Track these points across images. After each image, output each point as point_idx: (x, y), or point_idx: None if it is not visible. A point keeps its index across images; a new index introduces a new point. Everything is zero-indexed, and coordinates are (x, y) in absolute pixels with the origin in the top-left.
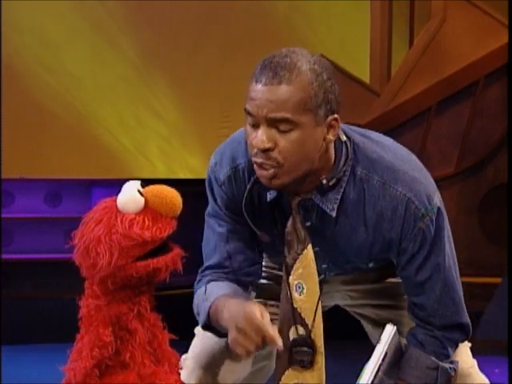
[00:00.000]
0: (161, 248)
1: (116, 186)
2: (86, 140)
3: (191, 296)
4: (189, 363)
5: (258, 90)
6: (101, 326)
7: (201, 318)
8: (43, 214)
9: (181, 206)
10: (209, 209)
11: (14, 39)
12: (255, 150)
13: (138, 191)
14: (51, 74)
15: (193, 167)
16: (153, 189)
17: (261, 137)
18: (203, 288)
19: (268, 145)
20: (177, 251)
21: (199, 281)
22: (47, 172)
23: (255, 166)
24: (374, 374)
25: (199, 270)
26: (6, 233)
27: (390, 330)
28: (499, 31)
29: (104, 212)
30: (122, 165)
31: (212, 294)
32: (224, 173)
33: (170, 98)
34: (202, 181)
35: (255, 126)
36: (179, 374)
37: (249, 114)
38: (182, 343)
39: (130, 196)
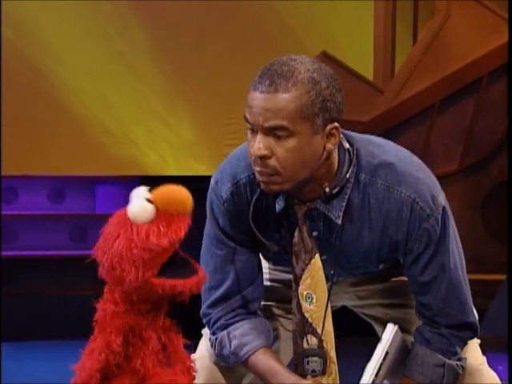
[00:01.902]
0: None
1: (119, 183)
2: (90, 137)
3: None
4: (199, 361)
5: (255, 97)
6: (113, 333)
7: (227, 363)
8: (47, 211)
9: (191, 202)
10: (208, 231)
11: (17, 36)
12: (253, 157)
13: (147, 199)
14: (55, 71)
15: (197, 164)
16: (160, 192)
17: (257, 144)
18: (225, 339)
19: (264, 152)
20: (202, 275)
21: (213, 323)
22: (51, 169)
23: (256, 173)
24: (374, 374)
25: (206, 304)
26: (10, 230)
27: (391, 328)
28: (503, 28)
29: (119, 226)
30: (126, 162)
31: (240, 348)
32: (225, 190)
33: (174, 95)
34: (206, 178)
35: (254, 133)
36: (192, 376)
37: (247, 121)
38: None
39: (140, 207)
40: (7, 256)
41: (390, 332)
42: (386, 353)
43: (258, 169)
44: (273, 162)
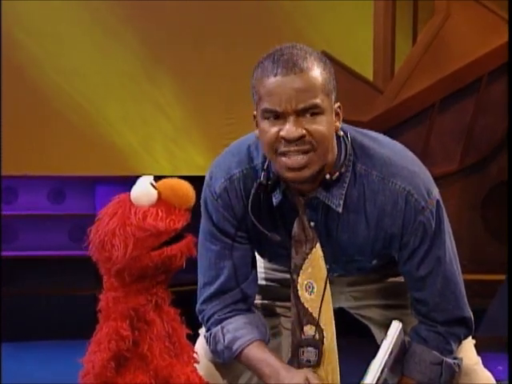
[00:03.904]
0: (175, 238)
1: (120, 183)
2: (90, 137)
3: (191, 293)
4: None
5: (280, 81)
6: (118, 319)
7: (222, 358)
8: (47, 211)
9: (194, 197)
10: (202, 227)
11: (17, 36)
12: (282, 143)
13: (151, 184)
14: (56, 71)
15: (197, 164)
16: (166, 182)
17: (291, 128)
18: (219, 334)
19: (302, 132)
20: (190, 238)
21: (207, 319)
22: (51, 169)
23: (283, 159)
24: (380, 371)
25: (200, 300)
26: (10, 230)
27: (396, 326)
28: (503, 28)
29: (118, 206)
30: (126, 162)
31: (234, 341)
32: (219, 185)
33: (175, 95)
34: None
35: (277, 122)
36: (196, 367)
37: (270, 111)
38: None
39: (144, 189)
40: (7, 256)
41: (395, 329)
42: (391, 350)
43: (293, 148)
44: (308, 138)
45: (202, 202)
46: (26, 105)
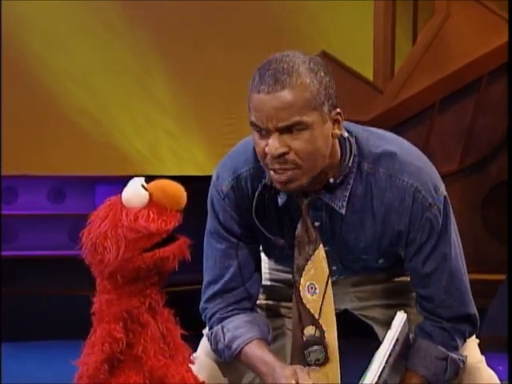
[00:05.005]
0: (168, 241)
1: (119, 182)
2: (90, 137)
3: (191, 293)
4: (199, 360)
5: (262, 99)
6: (112, 322)
7: (223, 357)
8: (47, 211)
9: (185, 199)
10: (209, 227)
11: (17, 36)
12: (268, 158)
13: (142, 186)
14: (55, 71)
15: (197, 164)
16: (157, 183)
17: (274, 144)
18: (220, 333)
19: (283, 150)
20: (183, 240)
21: (209, 318)
22: (51, 169)
23: (271, 172)
24: (385, 359)
25: (204, 298)
26: (10, 230)
27: (401, 316)
28: (503, 28)
29: (109, 208)
30: (126, 162)
31: (233, 340)
32: (226, 184)
33: (175, 95)
34: (207, 177)
35: (265, 135)
36: (190, 367)
37: (255, 125)
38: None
39: (134, 191)
40: (7, 256)
41: (400, 319)
42: (397, 339)
43: (277, 166)
44: (291, 156)
45: (208, 201)
46: (26, 105)
